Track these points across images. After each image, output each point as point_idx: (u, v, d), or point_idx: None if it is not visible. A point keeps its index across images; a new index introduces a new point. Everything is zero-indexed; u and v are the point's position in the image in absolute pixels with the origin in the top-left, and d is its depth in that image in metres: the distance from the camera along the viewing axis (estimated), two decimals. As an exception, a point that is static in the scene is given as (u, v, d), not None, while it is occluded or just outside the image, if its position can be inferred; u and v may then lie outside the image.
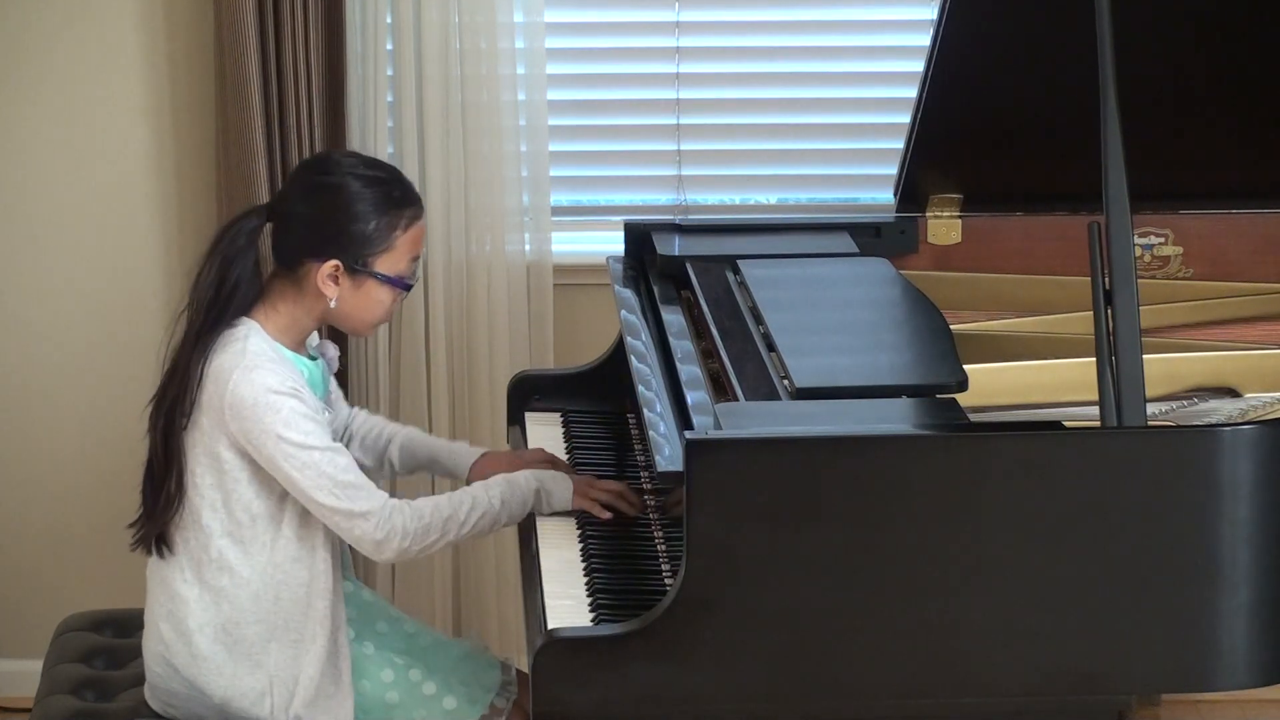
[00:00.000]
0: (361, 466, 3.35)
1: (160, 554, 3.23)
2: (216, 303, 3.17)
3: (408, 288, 3.23)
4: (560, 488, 3.28)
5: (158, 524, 3.21)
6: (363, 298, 3.20)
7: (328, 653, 3.21)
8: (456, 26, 4.20)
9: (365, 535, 3.14)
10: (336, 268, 3.17)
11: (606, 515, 3.27)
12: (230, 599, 3.18)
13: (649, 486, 3.38)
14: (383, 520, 3.14)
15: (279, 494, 3.17)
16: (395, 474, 3.55)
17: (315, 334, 3.33)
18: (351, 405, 3.56)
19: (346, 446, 3.42)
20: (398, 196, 3.21)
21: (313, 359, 3.29)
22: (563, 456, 3.55)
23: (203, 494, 3.18)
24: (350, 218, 3.17)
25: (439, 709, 3.29)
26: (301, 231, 3.20)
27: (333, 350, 3.35)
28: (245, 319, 3.18)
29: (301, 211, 3.20)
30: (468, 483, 3.41)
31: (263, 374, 3.12)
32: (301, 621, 3.20)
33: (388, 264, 3.19)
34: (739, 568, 2.77)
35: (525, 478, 3.28)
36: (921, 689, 2.82)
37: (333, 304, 3.19)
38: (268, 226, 3.24)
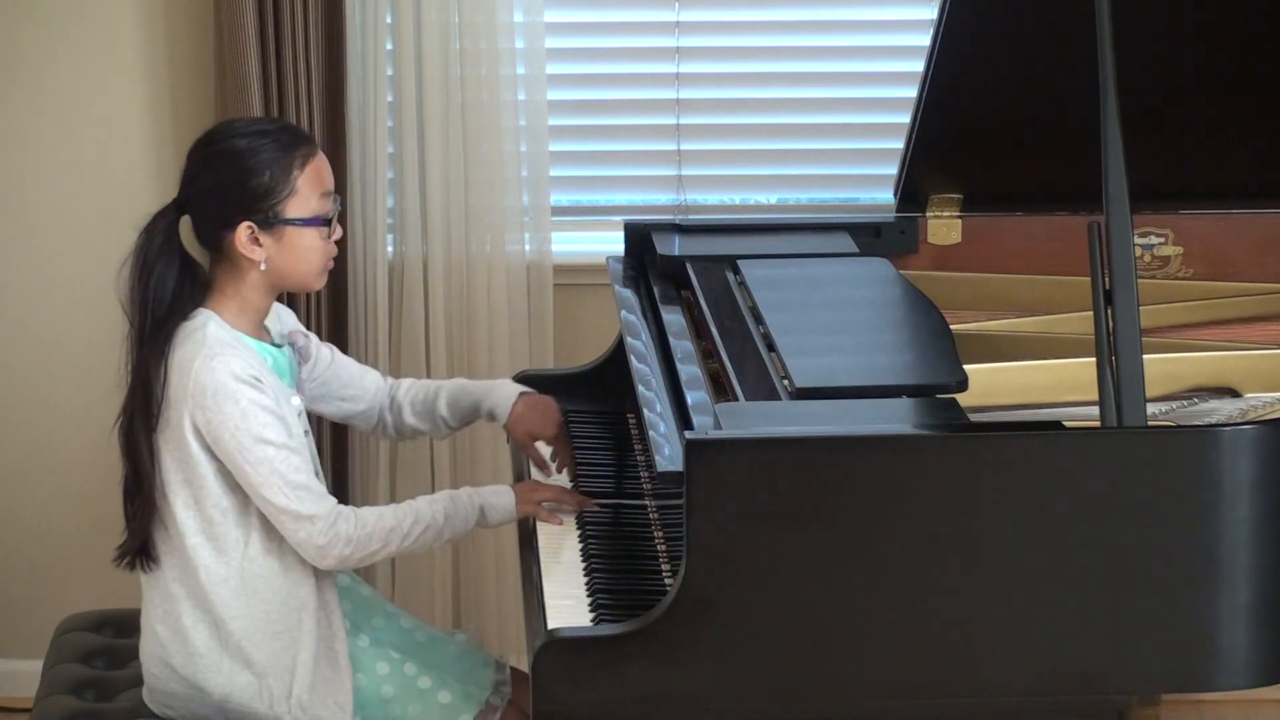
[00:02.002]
0: (417, 431, 3.47)
1: (145, 568, 3.23)
2: (155, 310, 3.15)
3: (327, 223, 3.20)
4: (502, 501, 3.29)
5: (139, 535, 3.21)
6: (289, 250, 3.18)
7: (318, 637, 3.21)
8: (456, 26, 4.20)
9: (309, 539, 3.13)
10: (250, 229, 3.15)
11: (557, 521, 3.29)
12: (212, 595, 3.18)
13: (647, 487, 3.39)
14: (327, 526, 3.13)
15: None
16: (452, 429, 3.55)
17: (280, 320, 3.32)
18: (387, 377, 3.55)
19: (399, 419, 3.48)
20: (286, 141, 3.20)
21: (278, 346, 3.28)
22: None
23: (175, 492, 3.17)
24: (245, 175, 3.15)
25: (434, 703, 3.29)
26: (209, 207, 3.18)
27: (302, 340, 3.35)
28: (201, 309, 3.18)
29: (203, 188, 3.19)
30: (508, 430, 3.47)
31: (224, 360, 3.11)
32: (283, 612, 3.20)
33: (297, 207, 3.17)
34: (739, 568, 2.77)
35: (468, 494, 3.28)
36: (921, 689, 2.82)
37: (262, 266, 3.17)
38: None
